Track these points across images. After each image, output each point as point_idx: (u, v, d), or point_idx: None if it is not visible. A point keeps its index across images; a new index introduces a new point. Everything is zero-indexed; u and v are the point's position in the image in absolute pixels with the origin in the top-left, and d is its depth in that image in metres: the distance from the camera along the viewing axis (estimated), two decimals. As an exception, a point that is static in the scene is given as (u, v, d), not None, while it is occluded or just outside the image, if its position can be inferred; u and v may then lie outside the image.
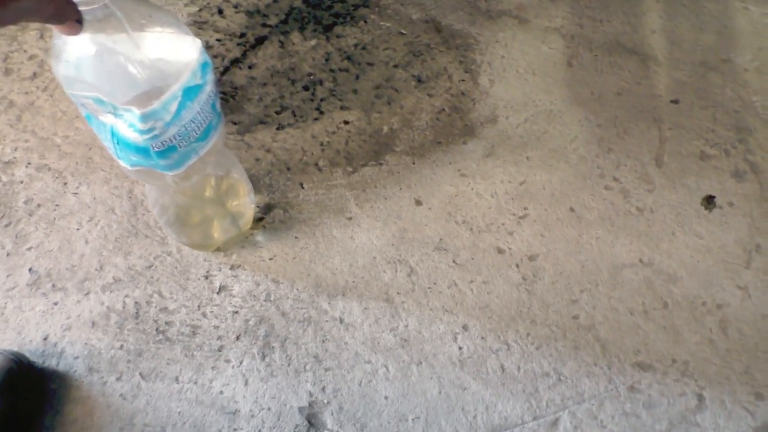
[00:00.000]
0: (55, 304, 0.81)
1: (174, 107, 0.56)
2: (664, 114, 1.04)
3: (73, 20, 0.47)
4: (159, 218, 0.82)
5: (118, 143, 0.58)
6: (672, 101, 1.05)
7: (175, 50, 0.54)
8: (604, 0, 1.21)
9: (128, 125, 0.55)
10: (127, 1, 0.49)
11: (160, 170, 0.61)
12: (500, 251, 0.88)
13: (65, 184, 0.91)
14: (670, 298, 0.85)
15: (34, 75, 1.03)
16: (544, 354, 0.80)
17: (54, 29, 0.48)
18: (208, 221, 0.81)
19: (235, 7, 1.13)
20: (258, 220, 0.90)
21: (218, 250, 0.86)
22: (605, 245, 0.89)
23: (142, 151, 0.58)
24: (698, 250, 0.90)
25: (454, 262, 0.87)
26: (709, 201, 0.94)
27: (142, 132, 0.55)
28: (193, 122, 0.59)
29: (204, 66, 0.58)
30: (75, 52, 0.51)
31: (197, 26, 1.09)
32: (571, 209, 0.93)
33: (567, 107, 1.03)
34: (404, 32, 1.13)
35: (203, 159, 0.64)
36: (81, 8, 0.47)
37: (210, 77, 0.59)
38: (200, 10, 1.12)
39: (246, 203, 0.84)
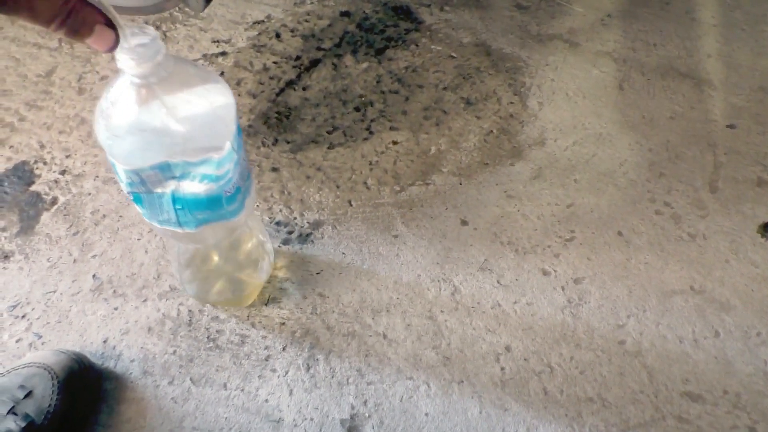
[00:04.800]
0: (115, 309, 0.85)
1: (236, 145, 0.58)
2: (719, 139, 1.02)
3: (100, 24, 0.38)
4: (174, 263, 0.82)
5: (183, 207, 0.58)
6: (728, 126, 1.03)
7: (223, 92, 0.55)
8: (658, 24, 1.20)
9: (200, 179, 0.55)
10: (173, 60, 0.50)
11: (227, 219, 0.62)
12: (545, 273, 0.88)
13: (129, 196, 0.97)
14: (722, 327, 0.83)
15: (105, 94, 1.10)
16: (588, 378, 0.79)
17: (87, 44, 0.39)
18: (212, 277, 0.82)
19: (292, 31, 1.18)
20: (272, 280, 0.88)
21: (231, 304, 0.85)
22: (654, 271, 0.88)
23: (213, 202, 0.58)
24: (753, 279, 0.87)
25: (498, 282, 0.87)
26: (765, 228, 0.91)
27: (217, 178, 0.56)
28: (243, 159, 0.61)
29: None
30: (152, 114, 0.50)
31: (256, 49, 1.15)
32: (620, 233, 0.92)
33: (617, 131, 1.03)
34: (454, 55, 1.15)
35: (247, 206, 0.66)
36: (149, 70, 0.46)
37: None
38: (259, 34, 1.18)
39: (255, 273, 0.82)
